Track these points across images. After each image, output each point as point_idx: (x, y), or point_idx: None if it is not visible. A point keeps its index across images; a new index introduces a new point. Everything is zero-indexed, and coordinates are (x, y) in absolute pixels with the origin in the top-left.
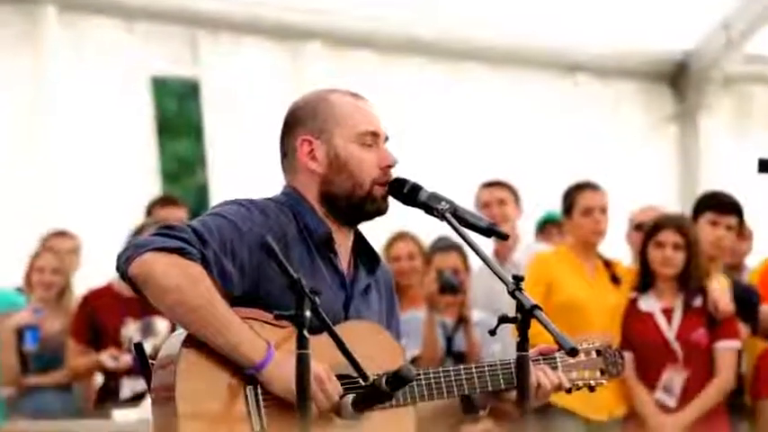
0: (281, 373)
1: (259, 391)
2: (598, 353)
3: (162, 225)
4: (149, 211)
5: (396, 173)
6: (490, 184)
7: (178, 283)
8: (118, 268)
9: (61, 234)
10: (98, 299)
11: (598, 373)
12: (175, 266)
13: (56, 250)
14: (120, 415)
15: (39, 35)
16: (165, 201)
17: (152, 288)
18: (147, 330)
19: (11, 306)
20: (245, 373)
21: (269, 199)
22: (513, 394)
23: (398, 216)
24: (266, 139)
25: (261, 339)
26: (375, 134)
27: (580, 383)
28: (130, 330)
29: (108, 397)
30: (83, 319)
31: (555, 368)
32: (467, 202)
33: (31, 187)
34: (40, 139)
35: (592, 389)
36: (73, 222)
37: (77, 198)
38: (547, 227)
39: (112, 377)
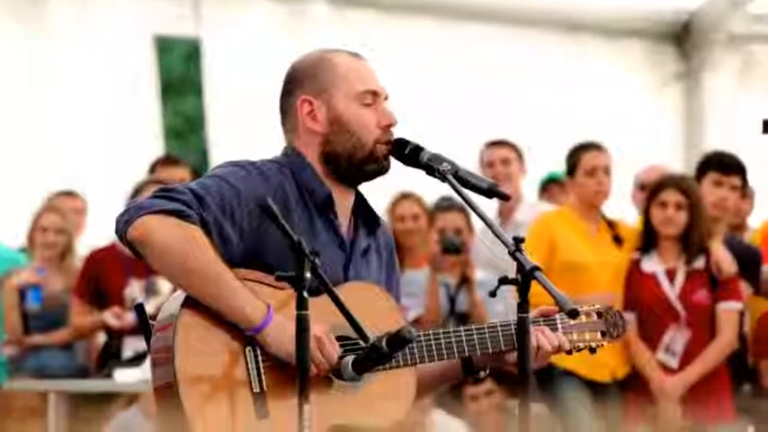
0: (281, 334)
1: (258, 352)
2: (599, 315)
3: (161, 188)
4: (152, 171)
5: (399, 133)
6: (494, 144)
7: (177, 245)
8: (117, 231)
9: (67, 194)
10: (102, 258)
11: (599, 335)
12: (174, 229)
13: (60, 210)
14: (122, 375)
15: None
16: (167, 160)
17: (151, 251)
18: (151, 290)
19: (12, 264)
20: (245, 335)
21: (269, 160)
22: (514, 355)
23: (400, 176)
24: (268, 100)
25: (260, 301)
26: (375, 93)
27: (581, 345)
28: (134, 290)
29: (110, 357)
30: (87, 278)
31: (555, 329)
32: (470, 161)
33: (34, 147)
34: (44, 99)
35: (593, 350)
36: (76, 182)
37: (81, 157)
38: (549, 186)
39: (115, 337)
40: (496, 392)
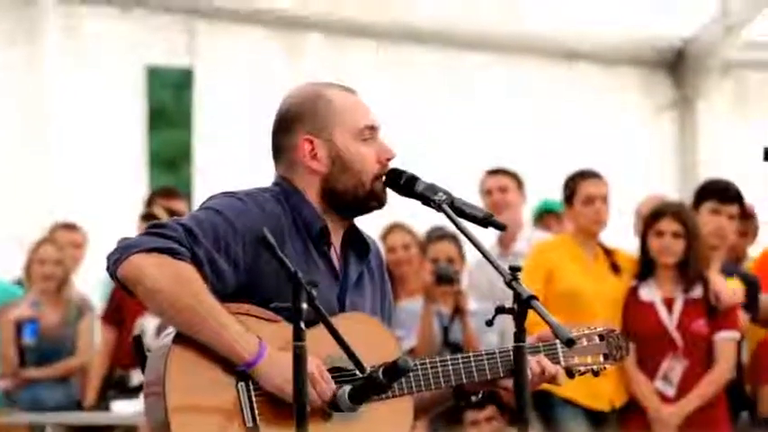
0: (274, 369)
1: (251, 386)
2: (601, 337)
3: (151, 224)
4: (149, 203)
5: (396, 163)
6: (493, 172)
7: (166, 284)
8: (107, 269)
9: (67, 227)
10: None
11: (601, 358)
12: (164, 267)
13: (57, 242)
14: (119, 407)
15: (35, 24)
16: (165, 192)
17: (141, 290)
18: (164, 328)
19: (9, 297)
20: (237, 370)
21: (263, 189)
22: (509, 381)
23: (390, 207)
24: (258, 131)
25: (253, 336)
26: (372, 128)
27: (582, 368)
28: (146, 323)
29: (107, 389)
30: (113, 303)
31: (556, 355)
32: (465, 190)
33: (24, 177)
34: (36, 129)
35: (596, 373)
36: (66, 211)
37: (72, 187)
38: (545, 216)
39: (116, 368)
40: (497, 420)
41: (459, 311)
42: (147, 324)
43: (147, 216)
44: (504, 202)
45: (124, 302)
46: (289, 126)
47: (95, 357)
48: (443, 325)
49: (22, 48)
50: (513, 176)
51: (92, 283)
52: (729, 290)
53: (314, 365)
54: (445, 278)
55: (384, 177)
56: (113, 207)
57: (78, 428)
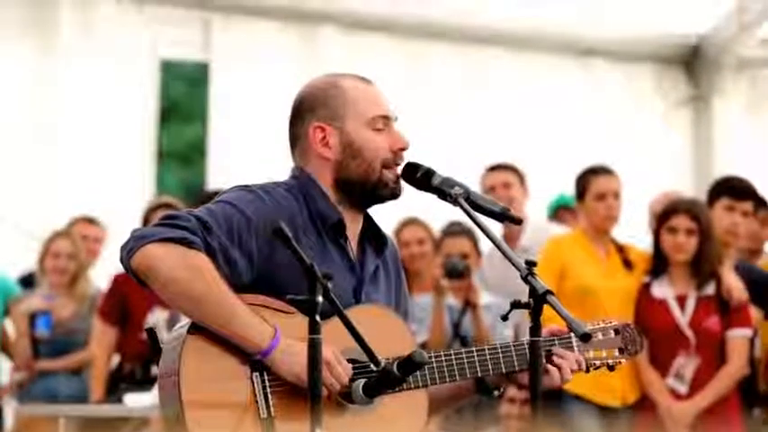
0: (289, 358)
1: (266, 377)
2: (616, 332)
3: (165, 215)
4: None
5: (410, 157)
6: (494, 168)
7: (180, 274)
8: (121, 260)
9: (87, 220)
10: (129, 282)
11: (617, 352)
12: (178, 257)
13: (72, 236)
14: (132, 399)
15: (49, 17)
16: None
17: (155, 280)
18: (174, 322)
19: (8, 293)
20: (252, 360)
21: (278, 183)
22: (524, 376)
23: (407, 202)
24: (273, 127)
25: (267, 325)
26: (386, 117)
27: (597, 363)
28: (156, 317)
29: (120, 381)
30: (113, 300)
31: (570, 349)
32: (478, 185)
33: (37, 170)
34: (48, 122)
35: (611, 368)
36: (78, 206)
37: (83, 181)
38: (560, 211)
39: (126, 361)
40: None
41: (469, 305)
42: (157, 318)
43: (161, 206)
44: (508, 198)
45: (128, 297)
46: (302, 115)
47: (96, 354)
48: (453, 319)
49: (35, 41)
50: (515, 171)
51: (104, 276)
52: (741, 287)
53: (330, 352)
54: (455, 272)
55: (398, 168)
56: (124, 202)
57: (91, 421)
